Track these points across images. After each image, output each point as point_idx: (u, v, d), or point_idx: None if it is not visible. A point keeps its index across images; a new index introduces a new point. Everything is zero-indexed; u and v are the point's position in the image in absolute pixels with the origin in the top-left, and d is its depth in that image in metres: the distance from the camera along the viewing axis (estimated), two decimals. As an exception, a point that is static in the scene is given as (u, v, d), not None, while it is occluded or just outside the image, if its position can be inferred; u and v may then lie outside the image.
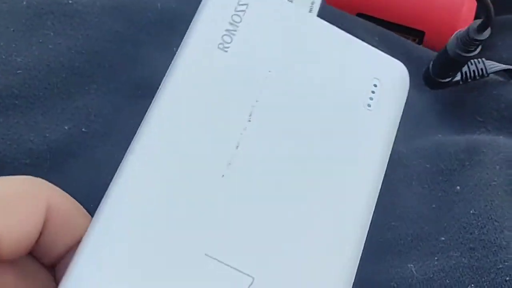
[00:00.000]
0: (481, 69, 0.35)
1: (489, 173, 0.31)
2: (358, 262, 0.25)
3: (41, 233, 0.25)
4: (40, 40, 0.32)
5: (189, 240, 0.23)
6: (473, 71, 0.35)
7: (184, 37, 0.26)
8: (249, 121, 0.25)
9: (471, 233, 0.29)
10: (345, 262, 0.25)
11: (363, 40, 0.35)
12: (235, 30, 0.26)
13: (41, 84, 0.31)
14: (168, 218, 0.23)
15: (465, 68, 0.35)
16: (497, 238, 0.29)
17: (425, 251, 0.29)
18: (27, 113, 0.30)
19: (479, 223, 0.29)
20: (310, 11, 0.31)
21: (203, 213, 0.23)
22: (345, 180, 0.26)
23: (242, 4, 0.27)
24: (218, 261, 0.23)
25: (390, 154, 0.31)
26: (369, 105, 0.27)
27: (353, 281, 0.25)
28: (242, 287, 0.23)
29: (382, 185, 0.31)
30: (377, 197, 0.27)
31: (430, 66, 0.34)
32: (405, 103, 0.34)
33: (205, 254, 0.23)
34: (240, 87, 0.25)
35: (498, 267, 0.28)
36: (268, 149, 0.25)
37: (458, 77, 0.35)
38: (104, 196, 0.24)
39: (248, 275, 0.23)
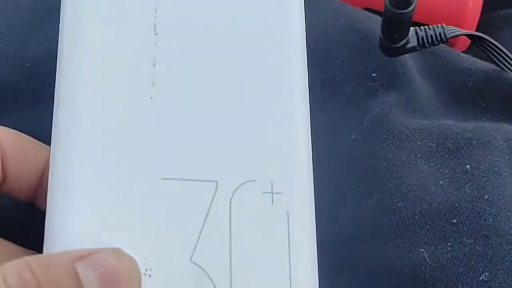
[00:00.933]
0: (439, 34, 0.33)
1: (500, 161, 0.30)
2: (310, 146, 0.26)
3: (4, 171, 0.24)
4: (48, 33, 0.32)
5: (142, 170, 0.23)
6: (431, 36, 0.33)
7: None
8: (156, 34, 0.24)
9: (485, 220, 0.28)
10: (294, 139, 0.25)
11: (370, 28, 0.35)
12: None
13: (49, 78, 0.30)
14: (117, 153, 0.23)
15: (422, 34, 0.33)
16: (510, 228, 0.28)
17: (436, 234, 0.28)
18: (35, 107, 0.30)
19: (493, 211, 0.29)
20: None
21: (146, 139, 0.23)
22: (270, 66, 0.26)
23: None
24: (177, 179, 0.23)
25: (392, 136, 0.31)
26: None
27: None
28: (209, 193, 0.23)
29: (384, 167, 0.30)
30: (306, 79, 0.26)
31: (380, 33, 0.33)
32: (409, 88, 0.34)
33: (162, 178, 0.23)
34: (136, 4, 0.25)
35: None
36: (183, 58, 0.25)
37: (414, 43, 0.33)
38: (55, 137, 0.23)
39: (210, 180, 0.23)
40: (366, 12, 0.37)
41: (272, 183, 0.24)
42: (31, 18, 0.32)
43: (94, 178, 0.23)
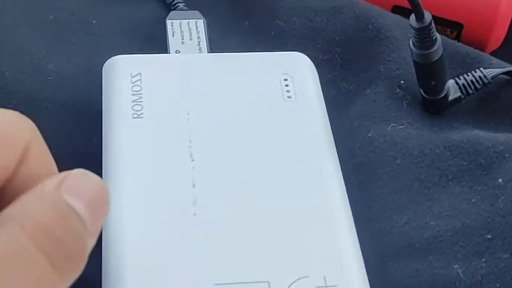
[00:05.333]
0: (480, 77, 0.33)
1: None
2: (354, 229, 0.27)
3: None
4: (67, 53, 0.33)
5: (195, 279, 0.24)
6: (471, 81, 0.33)
7: (103, 119, 0.29)
8: (193, 160, 0.27)
9: None
10: (338, 231, 0.26)
11: (397, 38, 0.35)
12: (140, 99, 0.29)
13: (73, 93, 0.32)
14: (168, 267, 0.24)
15: (462, 81, 0.33)
16: None
17: (470, 250, 0.28)
18: (59, 118, 0.31)
19: None
20: (200, 52, 0.33)
21: (195, 251, 0.25)
22: (303, 166, 0.28)
23: (135, 75, 0.30)
24: (229, 283, 0.24)
25: (422, 156, 0.31)
26: (289, 97, 0.30)
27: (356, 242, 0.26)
28: None
29: (416, 187, 0.30)
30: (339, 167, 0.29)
31: (420, 88, 0.33)
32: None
33: (215, 284, 0.24)
34: (171, 139, 0.28)
35: None
36: (219, 175, 0.27)
37: (457, 94, 0.33)
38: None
39: (261, 281, 0.24)
40: (393, 16, 0.37)
41: (325, 277, 0.25)
42: (50, 37, 0.33)
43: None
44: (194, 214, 0.26)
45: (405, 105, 0.33)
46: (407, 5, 0.38)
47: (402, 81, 0.33)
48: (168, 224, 0.25)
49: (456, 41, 0.37)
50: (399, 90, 0.33)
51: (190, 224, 0.26)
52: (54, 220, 0.19)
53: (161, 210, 0.26)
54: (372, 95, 0.33)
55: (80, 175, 0.20)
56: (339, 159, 0.29)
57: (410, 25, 0.31)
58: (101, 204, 0.20)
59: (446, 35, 0.38)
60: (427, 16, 0.30)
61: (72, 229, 0.19)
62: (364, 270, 0.26)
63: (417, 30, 0.31)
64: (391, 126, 0.32)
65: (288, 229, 0.26)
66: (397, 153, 0.31)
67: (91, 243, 0.20)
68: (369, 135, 0.32)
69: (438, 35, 0.31)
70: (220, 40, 0.35)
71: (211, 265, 0.25)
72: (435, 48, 0.31)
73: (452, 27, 0.39)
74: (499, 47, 0.40)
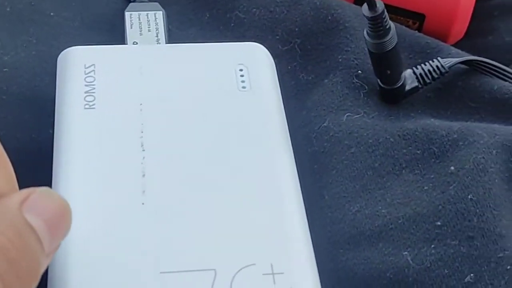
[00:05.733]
0: (437, 67, 0.33)
1: (485, 157, 0.30)
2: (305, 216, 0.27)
3: None
4: (24, 45, 0.33)
5: (140, 267, 0.24)
6: (428, 70, 0.33)
7: (55, 110, 0.29)
8: (144, 150, 0.27)
9: (469, 220, 0.28)
10: (287, 219, 0.26)
11: (356, 28, 0.35)
12: (93, 89, 0.29)
13: (29, 84, 0.32)
14: (114, 256, 0.25)
15: (419, 71, 0.33)
16: (496, 227, 0.28)
17: (420, 237, 0.28)
18: (14, 109, 0.31)
19: (477, 210, 0.28)
20: (158, 43, 0.33)
21: (142, 240, 0.25)
22: (255, 155, 0.28)
23: (89, 66, 0.30)
24: (175, 272, 0.24)
25: (376, 145, 0.31)
26: (243, 87, 0.30)
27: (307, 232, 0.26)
28: (208, 282, 0.24)
29: (369, 175, 0.30)
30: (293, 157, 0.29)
31: (377, 78, 0.33)
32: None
33: (161, 272, 0.24)
34: (122, 129, 0.28)
35: (498, 256, 0.27)
36: (170, 165, 0.27)
37: (415, 83, 0.33)
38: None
39: (208, 269, 0.24)
40: (354, 6, 0.37)
41: (272, 265, 0.25)
42: (7, 28, 0.33)
43: (93, 279, 0.24)
44: (143, 203, 0.26)
45: (362, 95, 0.33)
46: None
47: (359, 71, 0.34)
48: (116, 213, 0.26)
49: (416, 31, 0.37)
50: (356, 80, 0.33)
51: (138, 214, 0.26)
52: (11, 240, 0.19)
53: (109, 199, 0.26)
54: (329, 85, 0.33)
55: (43, 194, 0.20)
56: (296, 148, 0.30)
57: (363, 14, 0.31)
58: (61, 224, 0.21)
59: (408, 26, 0.38)
60: (380, 5, 0.31)
61: (28, 249, 0.19)
62: (313, 258, 0.26)
63: (370, 19, 0.31)
64: (347, 116, 0.32)
65: (236, 217, 0.26)
66: (352, 142, 0.31)
67: (46, 263, 0.20)
68: (324, 124, 0.32)
69: (392, 24, 0.32)
70: (181, 32, 0.35)
71: (157, 253, 0.25)
72: (389, 37, 0.31)
73: (414, 18, 0.39)
74: (462, 39, 0.40)
